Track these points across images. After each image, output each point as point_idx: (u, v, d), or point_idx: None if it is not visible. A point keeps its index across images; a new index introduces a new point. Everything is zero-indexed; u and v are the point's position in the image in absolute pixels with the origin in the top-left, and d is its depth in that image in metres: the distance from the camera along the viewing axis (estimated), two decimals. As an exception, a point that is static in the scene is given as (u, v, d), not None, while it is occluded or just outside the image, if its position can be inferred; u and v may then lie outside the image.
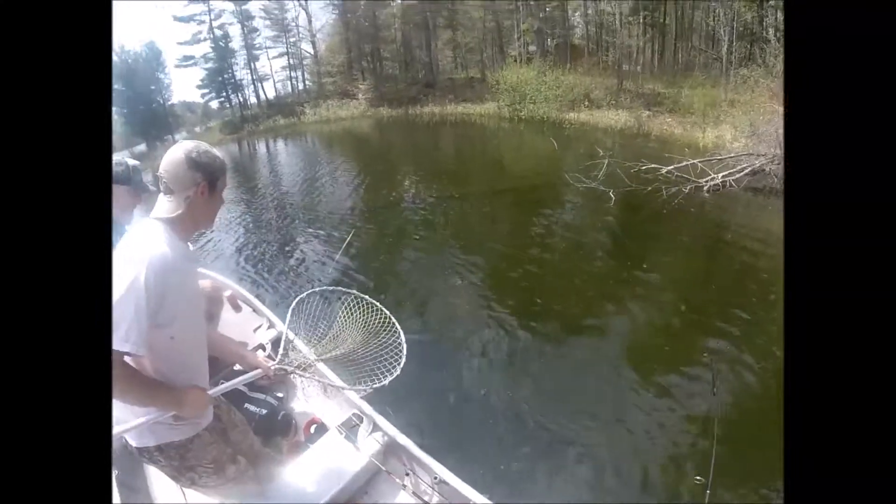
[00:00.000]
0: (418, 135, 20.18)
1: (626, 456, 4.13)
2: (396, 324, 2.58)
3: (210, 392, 1.98)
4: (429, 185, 12.71)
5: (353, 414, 3.15)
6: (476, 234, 9.98)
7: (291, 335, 2.47)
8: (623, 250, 9.07)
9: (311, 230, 11.09)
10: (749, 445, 4.02)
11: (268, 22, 43.47)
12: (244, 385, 2.22)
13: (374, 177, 15.04)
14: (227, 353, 2.32)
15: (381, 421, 3.00)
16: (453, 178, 13.27)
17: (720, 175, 12.79)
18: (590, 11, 28.66)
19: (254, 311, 4.49)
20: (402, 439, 2.83)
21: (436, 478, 2.64)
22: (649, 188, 11.70)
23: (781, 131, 14.76)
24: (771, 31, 24.16)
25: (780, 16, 24.32)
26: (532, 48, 27.08)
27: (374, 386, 2.31)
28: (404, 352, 2.42)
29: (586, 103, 21.23)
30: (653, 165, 12.67)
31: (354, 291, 2.70)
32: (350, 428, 3.06)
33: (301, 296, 2.57)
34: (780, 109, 16.68)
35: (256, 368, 2.19)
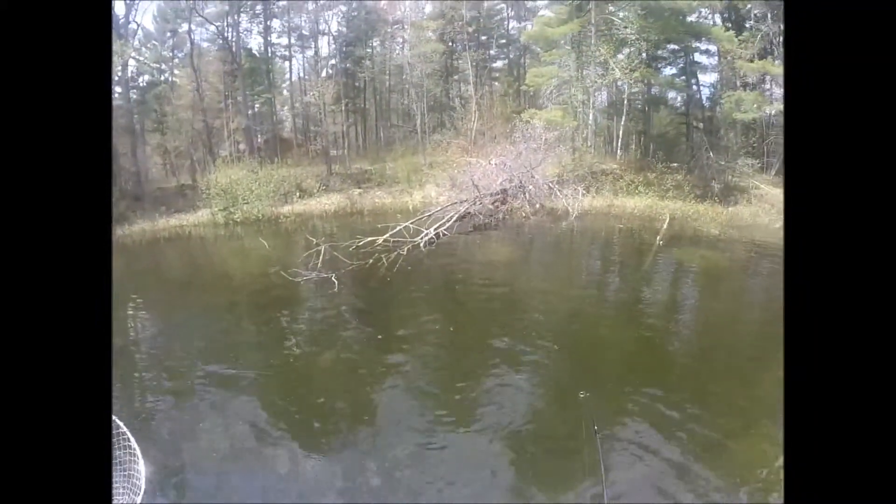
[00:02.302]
0: (131, 261, 17.22)
1: None
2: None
3: None
4: (152, 315, 10.34)
5: None
6: (216, 352, 8.21)
7: None
8: (367, 324, 8.93)
9: None
10: None
11: None
12: None
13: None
14: None
15: None
16: (178, 301, 11.19)
17: (432, 229, 13.68)
18: (296, 105, 29.71)
19: None
20: None
21: None
22: (370, 261, 11.68)
23: (476, 177, 16.96)
24: (457, 100, 28.47)
25: (464, 87, 28.89)
26: (242, 146, 26.52)
27: None
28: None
29: (298, 194, 21.41)
30: (368, 238, 12.82)
31: None
32: None
33: None
34: (472, 160, 19.32)
35: None
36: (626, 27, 20.25)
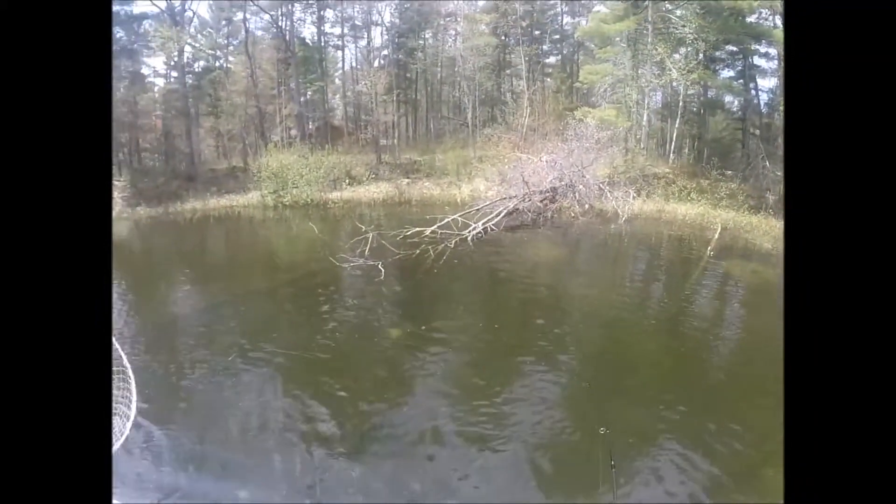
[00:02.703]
0: (183, 236, 17.91)
1: None
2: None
3: None
4: (205, 293, 10.72)
5: None
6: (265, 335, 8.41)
7: None
8: (409, 317, 8.91)
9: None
10: None
11: None
12: None
13: (141, 294, 12.05)
14: None
15: None
16: (229, 280, 11.54)
17: (480, 223, 13.65)
18: (348, 93, 30.13)
19: None
20: None
21: None
22: (417, 251, 11.74)
23: (526, 174, 16.79)
24: (508, 94, 28.30)
25: (515, 82, 28.69)
26: (294, 132, 27.05)
27: None
28: None
29: (348, 181, 21.72)
30: (416, 229, 12.87)
31: None
32: None
33: None
34: (523, 157, 19.11)
35: None
36: (683, 26, 19.52)
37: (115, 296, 13.25)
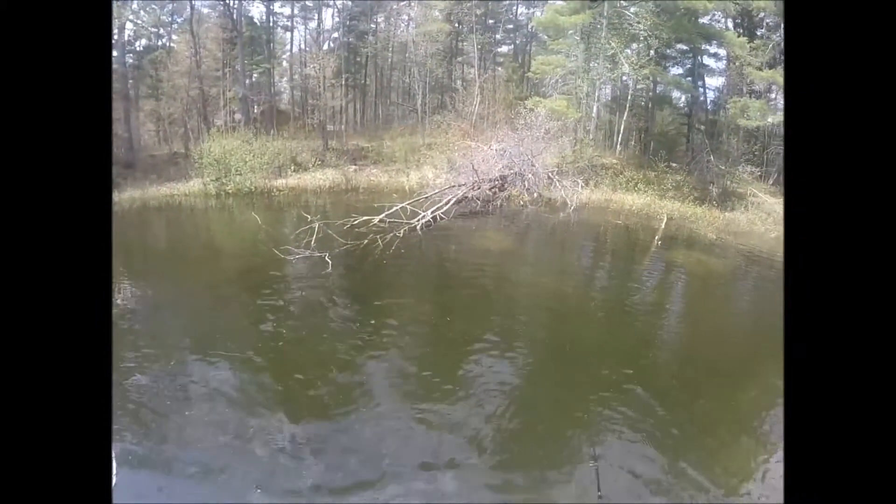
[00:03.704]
0: (120, 228, 16.77)
1: None
2: None
3: None
4: (143, 290, 9.87)
5: None
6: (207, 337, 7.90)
7: None
8: (359, 311, 8.62)
9: None
10: None
11: None
12: None
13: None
14: None
15: None
16: (169, 274, 10.76)
17: (429, 212, 13.44)
18: (295, 76, 29.03)
19: None
20: None
21: None
22: (365, 241, 11.42)
23: (476, 162, 16.68)
24: (458, 82, 28.06)
25: (467, 70, 28.46)
26: (238, 116, 25.91)
27: None
28: None
29: (293, 167, 20.94)
30: (363, 218, 12.54)
31: None
32: None
33: None
34: (473, 144, 18.99)
35: None
36: (638, 23, 19.91)
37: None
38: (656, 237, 14.27)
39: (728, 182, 19.34)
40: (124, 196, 19.50)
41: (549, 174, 17.09)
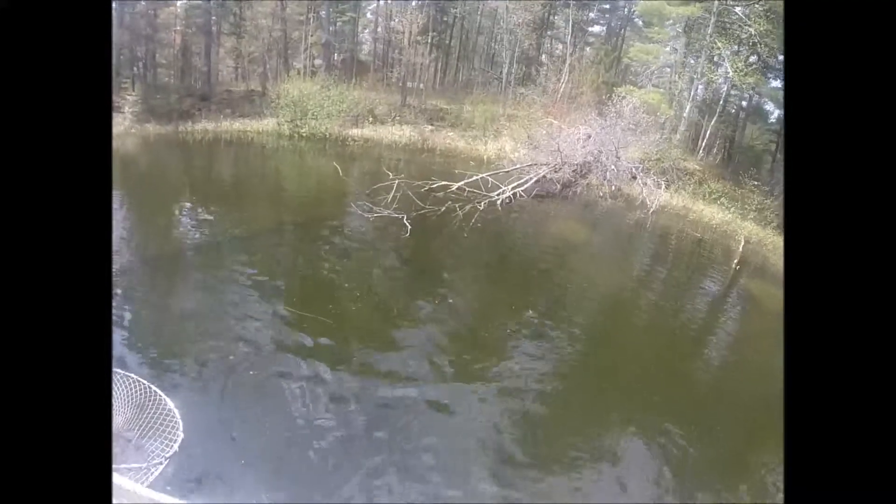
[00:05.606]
0: (191, 157, 17.08)
1: None
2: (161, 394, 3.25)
3: None
4: (211, 227, 9.85)
5: None
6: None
7: None
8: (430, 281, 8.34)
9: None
10: None
11: None
12: None
13: (143, 217, 11.14)
14: None
15: None
16: (237, 212, 10.68)
17: (510, 187, 12.92)
18: (380, 29, 28.51)
19: None
20: None
21: None
22: (443, 208, 11.02)
23: (558, 142, 15.92)
24: (545, 56, 26.93)
25: (554, 44, 27.30)
26: (318, 62, 25.69)
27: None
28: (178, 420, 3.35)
29: (370, 119, 20.78)
30: (443, 182, 12.11)
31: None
32: None
33: None
34: (556, 123, 18.14)
35: None
36: (749, 25, 18.36)
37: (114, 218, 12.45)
38: (734, 261, 13.27)
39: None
40: (198, 127, 19.83)
41: (633, 169, 16.15)
